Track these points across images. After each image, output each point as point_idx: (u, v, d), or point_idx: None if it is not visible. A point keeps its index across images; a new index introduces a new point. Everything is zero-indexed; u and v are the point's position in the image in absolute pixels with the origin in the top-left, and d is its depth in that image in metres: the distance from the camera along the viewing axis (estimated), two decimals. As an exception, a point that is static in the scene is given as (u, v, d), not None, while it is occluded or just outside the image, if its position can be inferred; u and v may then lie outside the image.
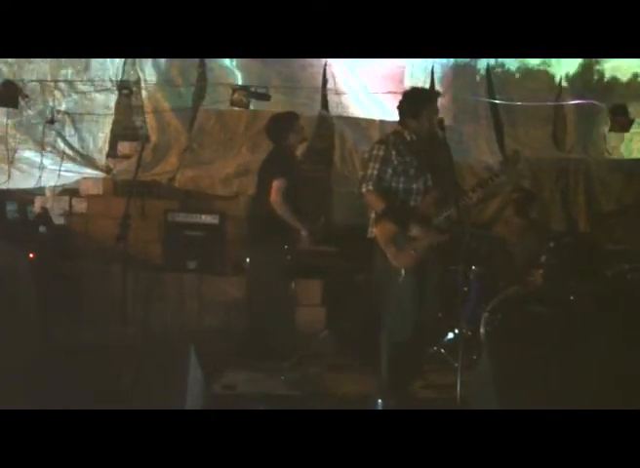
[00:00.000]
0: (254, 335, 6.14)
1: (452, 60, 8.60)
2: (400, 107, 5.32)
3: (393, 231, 5.10)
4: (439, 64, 8.60)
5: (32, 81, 8.29)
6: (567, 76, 8.65)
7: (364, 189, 5.16)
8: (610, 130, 8.25)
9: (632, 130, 8.17)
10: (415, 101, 5.25)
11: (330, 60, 8.46)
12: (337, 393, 5.28)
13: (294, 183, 6.05)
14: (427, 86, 8.51)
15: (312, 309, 7.20)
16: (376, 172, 5.14)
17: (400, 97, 5.41)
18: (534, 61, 8.61)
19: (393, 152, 5.15)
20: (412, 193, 5.18)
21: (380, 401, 5.03)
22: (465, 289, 6.40)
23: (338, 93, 8.57)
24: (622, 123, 8.01)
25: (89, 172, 8.51)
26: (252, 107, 8.09)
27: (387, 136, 5.36)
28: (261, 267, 6.17)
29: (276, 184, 5.94)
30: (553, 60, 8.56)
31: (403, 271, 5.08)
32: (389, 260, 5.09)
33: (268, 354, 5.95)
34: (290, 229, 6.00)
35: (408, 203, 5.18)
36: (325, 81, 8.60)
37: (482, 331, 6.14)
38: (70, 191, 8.46)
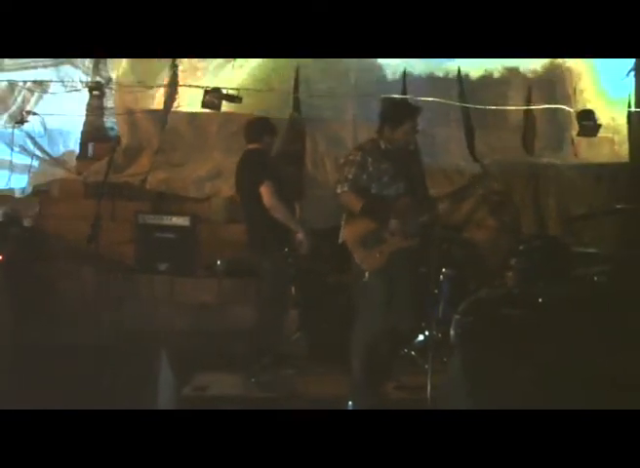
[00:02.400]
0: (251, 338, 6.12)
1: (424, 64, 8.65)
2: (381, 117, 5.38)
3: (363, 232, 5.12)
4: (411, 67, 8.64)
5: (1, 81, 8.23)
6: (537, 81, 8.73)
7: (339, 190, 5.19)
8: (578, 134, 8.34)
9: (600, 134, 8.26)
10: (397, 114, 5.32)
11: (302, 63, 8.47)
12: (308, 395, 5.30)
13: (279, 185, 6.02)
14: (400, 89, 8.60)
15: (284, 311, 7.21)
16: (351, 175, 5.17)
17: (383, 106, 5.48)
18: (504, 66, 8.68)
19: (369, 159, 5.18)
20: (384, 199, 5.18)
21: (351, 402, 5.05)
22: (436, 291, 6.43)
23: (310, 95, 8.58)
24: (590, 128, 8.10)
25: (59, 173, 8.46)
26: (223, 109, 8.08)
27: (364, 144, 5.43)
28: (265, 272, 6.12)
29: (266, 188, 5.88)
30: (523, 65, 8.64)
31: (367, 273, 5.12)
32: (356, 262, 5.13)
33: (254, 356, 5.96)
34: (288, 231, 5.98)
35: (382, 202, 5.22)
36: (297, 83, 8.61)
37: (452, 333, 6.18)
38: (41, 192, 8.42)
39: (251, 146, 6.19)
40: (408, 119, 5.24)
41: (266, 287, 6.10)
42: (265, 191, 5.86)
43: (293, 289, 6.20)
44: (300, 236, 5.95)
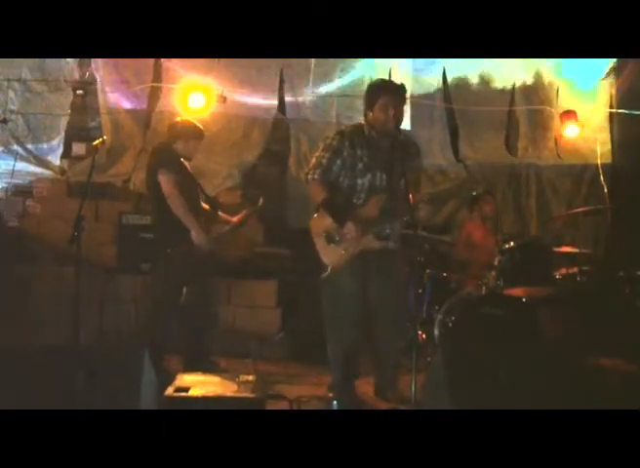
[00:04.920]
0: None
1: (409, 64, 8.66)
2: (363, 100, 5.26)
3: (327, 225, 5.04)
4: (396, 67, 8.65)
5: (-16, 80, 8.20)
6: (520, 81, 8.77)
7: (309, 177, 5.14)
8: (560, 135, 8.39)
9: (582, 135, 8.32)
10: (370, 92, 5.17)
11: (287, 62, 8.47)
12: (291, 395, 5.30)
13: (184, 181, 5.87)
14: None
15: (267, 311, 7.21)
16: (325, 160, 5.09)
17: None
18: (489, 66, 8.71)
19: (346, 143, 5.07)
20: (356, 190, 5.08)
21: (335, 402, 5.05)
22: (420, 290, 6.45)
23: (294, 95, 8.58)
24: (572, 128, 8.15)
25: (43, 172, 8.43)
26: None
27: (346, 128, 5.32)
28: (157, 271, 6.14)
29: (164, 177, 5.76)
30: (507, 65, 8.68)
31: (329, 268, 5.07)
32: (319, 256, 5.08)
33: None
34: (183, 231, 5.78)
35: (350, 199, 5.11)
36: (282, 83, 8.61)
37: (436, 332, 6.20)
38: (24, 192, 8.39)
39: (164, 144, 6.13)
40: (380, 95, 5.05)
41: (156, 285, 6.06)
42: (164, 180, 5.76)
43: (184, 289, 5.96)
44: (193, 234, 5.77)
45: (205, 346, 6.01)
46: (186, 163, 6.12)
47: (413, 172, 5.21)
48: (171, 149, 6.01)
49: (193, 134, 6.10)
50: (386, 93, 5.07)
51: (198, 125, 6.15)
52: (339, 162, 5.08)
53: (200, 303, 5.98)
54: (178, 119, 6.42)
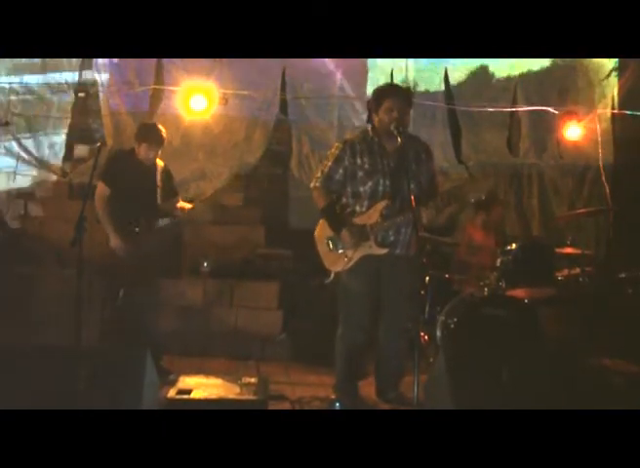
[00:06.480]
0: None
1: (411, 65, 8.65)
2: (370, 103, 5.26)
3: (329, 232, 5.12)
4: (398, 68, 8.64)
5: (-14, 83, 8.21)
6: (522, 82, 8.74)
7: (312, 185, 5.21)
8: (562, 135, 8.37)
9: (584, 135, 8.29)
10: (376, 96, 5.17)
11: (289, 63, 8.46)
12: (293, 396, 5.30)
13: (123, 189, 5.83)
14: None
15: (269, 312, 7.20)
16: (327, 169, 5.15)
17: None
18: (490, 67, 8.70)
19: (348, 152, 5.11)
20: (360, 197, 5.12)
21: (337, 404, 5.04)
22: (422, 292, 6.44)
23: (296, 96, 8.57)
24: (574, 129, 8.13)
25: (44, 175, 8.43)
26: (209, 111, 8.07)
27: (352, 136, 5.33)
28: None
29: (98, 188, 5.82)
30: (509, 66, 8.67)
31: (332, 274, 5.11)
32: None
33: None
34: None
35: (353, 207, 5.15)
36: (284, 84, 8.59)
37: (438, 334, 6.19)
38: (26, 194, 8.40)
39: (129, 148, 6.08)
40: (382, 99, 5.04)
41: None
42: (97, 189, 5.81)
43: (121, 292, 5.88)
44: (110, 240, 5.84)
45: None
46: (157, 165, 6.02)
47: (426, 175, 5.23)
48: (120, 157, 6.09)
49: (147, 137, 5.91)
50: (392, 96, 5.06)
51: (157, 128, 5.98)
52: (341, 171, 5.14)
53: (127, 308, 5.89)
54: (144, 122, 6.40)
